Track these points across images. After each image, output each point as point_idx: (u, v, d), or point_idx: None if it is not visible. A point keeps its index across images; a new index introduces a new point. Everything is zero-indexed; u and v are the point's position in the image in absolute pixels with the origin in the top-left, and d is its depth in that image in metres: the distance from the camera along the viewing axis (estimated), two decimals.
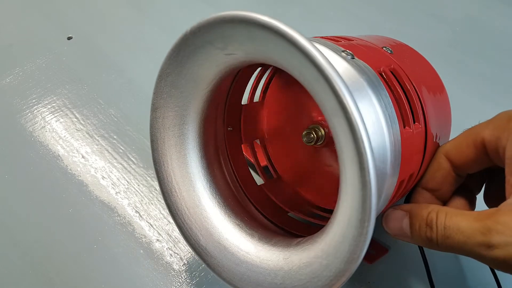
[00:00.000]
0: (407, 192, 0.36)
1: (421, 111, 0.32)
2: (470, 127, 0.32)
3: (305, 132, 0.37)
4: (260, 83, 0.40)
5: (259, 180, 0.42)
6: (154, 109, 0.34)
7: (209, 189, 0.36)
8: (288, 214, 0.39)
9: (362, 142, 0.21)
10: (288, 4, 0.72)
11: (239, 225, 0.35)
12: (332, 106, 0.22)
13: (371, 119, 0.26)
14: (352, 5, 0.71)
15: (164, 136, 0.35)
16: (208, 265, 0.33)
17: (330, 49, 0.29)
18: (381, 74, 0.30)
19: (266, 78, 0.40)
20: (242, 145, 0.41)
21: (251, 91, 0.40)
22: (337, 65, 0.28)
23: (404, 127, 0.30)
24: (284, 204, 0.39)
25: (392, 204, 0.35)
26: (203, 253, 0.34)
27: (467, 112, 0.55)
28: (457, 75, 0.59)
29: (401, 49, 0.37)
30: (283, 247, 0.31)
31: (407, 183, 0.33)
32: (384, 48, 0.34)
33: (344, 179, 0.24)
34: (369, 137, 0.21)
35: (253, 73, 0.38)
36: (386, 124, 0.27)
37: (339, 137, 0.23)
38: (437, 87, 0.37)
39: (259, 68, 0.37)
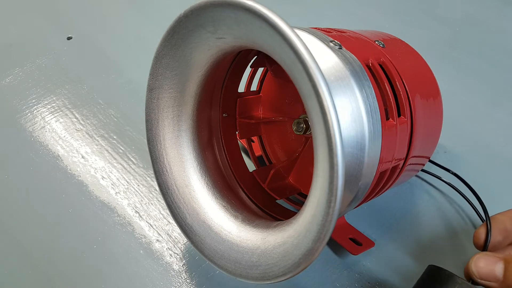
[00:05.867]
0: (391, 186, 0.36)
1: (407, 105, 0.33)
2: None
3: (295, 121, 0.38)
4: (257, 73, 0.41)
5: (251, 166, 0.43)
6: (150, 89, 0.35)
7: (199, 171, 0.38)
8: (276, 201, 0.40)
9: (332, 124, 0.22)
10: (288, 4, 0.72)
11: (225, 206, 0.36)
12: (307, 89, 0.23)
13: (351, 106, 0.27)
14: (352, 5, 0.71)
15: (158, 116, 0.36)
16: (192, 242, 0.35)
17: (317, 38, 0.30)
18: (368, 66, 0.31)
19: (264, 68, 0.41)
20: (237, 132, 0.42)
21: (248, 80, 0.41)
22: (323, 53, 0.29)
23: (388, 118, 0.31)
24: (273, 191, 0.40)
25: (375, 197, 0.36)
26: (189, 230, 0.35)
27: (466, 112, 0.54)
28: (456, 75, 0.59)
29: (394, 44, 0.37)
30: (263, 228, 0.32)
31: (390, 176, 0.34)
32: (376, 42, 0.35)
33: (316, 162, 0.25)
34: (339, 121, 0.22)
35: (249, 62, 0.39)
36: (367, 113, 0.28)
37: (313, 120, 0.24)
38: (429, 83, 0.38)
39: (255, 57, 0.38)
